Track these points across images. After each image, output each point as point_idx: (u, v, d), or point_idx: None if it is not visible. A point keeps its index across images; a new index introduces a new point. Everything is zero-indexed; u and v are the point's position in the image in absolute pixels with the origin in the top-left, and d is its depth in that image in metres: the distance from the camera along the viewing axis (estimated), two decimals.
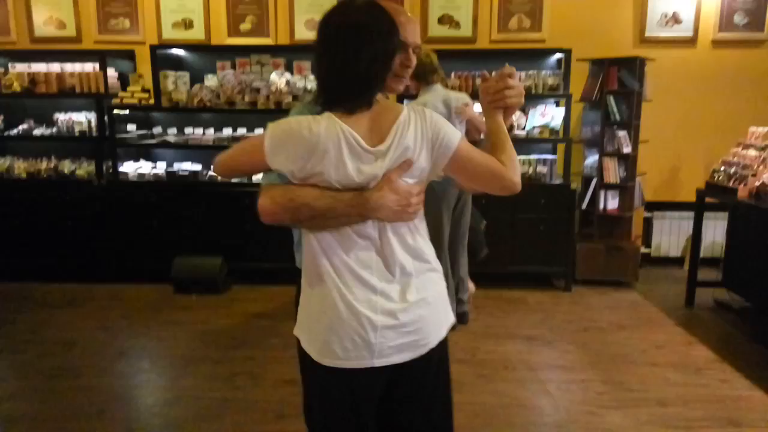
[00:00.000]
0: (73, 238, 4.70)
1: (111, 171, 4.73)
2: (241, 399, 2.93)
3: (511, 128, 1.51)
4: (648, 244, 5.19)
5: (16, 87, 4.75)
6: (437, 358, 1.45)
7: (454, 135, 1.35)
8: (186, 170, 4.78)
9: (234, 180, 4.71)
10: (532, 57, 4.90)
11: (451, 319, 1.48)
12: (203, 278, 4.49)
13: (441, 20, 5.01)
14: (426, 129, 1.33)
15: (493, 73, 1.48)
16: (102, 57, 4.76)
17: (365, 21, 1.30)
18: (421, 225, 1.42)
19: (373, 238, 1.35)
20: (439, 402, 1.51)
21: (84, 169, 4.79)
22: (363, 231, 1.34)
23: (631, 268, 4.67)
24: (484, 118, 1.48)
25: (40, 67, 4.89)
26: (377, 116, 1.33)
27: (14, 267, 4.73)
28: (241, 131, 4.93)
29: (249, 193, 4.62)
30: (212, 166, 1.46)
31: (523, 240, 4.57)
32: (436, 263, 1.45)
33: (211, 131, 4.94)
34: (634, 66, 4.52)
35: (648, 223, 5.18)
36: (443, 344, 1.45)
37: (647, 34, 4.97)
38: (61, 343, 3.59)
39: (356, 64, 1.29)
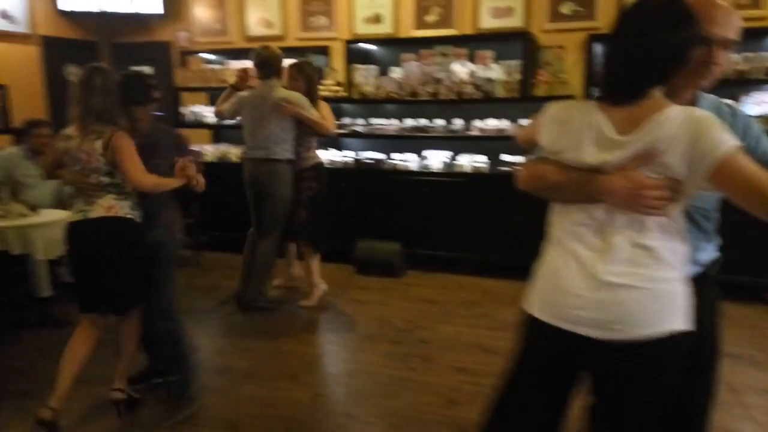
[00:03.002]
0: None
1: None
2: (415, 380, 3.05)
3: None
4: None
5: (231, 82, 5.39)
6: (645, 357, 1.36)
7: (721, 144, 1.23)
8: (371, 158, 5.05)
9: (413, 168, 4.88)
10: (751, 37, 4.28)
11: (675, 326, 1.35)
12: (382, 262, 4.74)
13: None
14: (687, 130, 1.25)
15: None
16: (302, 53, 5.21)
17: (649, 11, 1.28)
18: (667, 224, 1.35)
19: (599, 221, 1.38)
20: (638, 409, 1.41)
21: None
22: (592, 212, 1.39)
23: None
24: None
25: (251, 64, 5.50)
26: (638, 109, 1.31)
27: (225, 239, 5.43)
28: (423, 121, 5.07)
29: (428, 182, 4.79)
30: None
31: (729, 245, 4.02)
32: (678, 267, 1.37)
33: (394, 121, 5.16)
34: None
35: None
36: (657, 348, 1.34)
37: None
38: (262, 309, 4.06)
39: (632, 54, 1.29)
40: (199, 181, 2.70)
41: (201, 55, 5.88)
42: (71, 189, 2.67)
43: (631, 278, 1.33)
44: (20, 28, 5.46)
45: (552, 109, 1.46)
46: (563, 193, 1.42)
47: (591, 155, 1.35)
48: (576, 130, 1.37)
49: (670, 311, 1.35)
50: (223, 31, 5.92)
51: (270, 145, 3.86)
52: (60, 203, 4.17)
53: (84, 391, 2.75)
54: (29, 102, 5.40)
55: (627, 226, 1.34)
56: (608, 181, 1.31)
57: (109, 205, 2.53)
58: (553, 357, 1.48)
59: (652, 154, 1.27)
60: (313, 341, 3.59)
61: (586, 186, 1.35)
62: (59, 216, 3.63)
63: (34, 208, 3.68)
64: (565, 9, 4.82)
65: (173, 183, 2.62)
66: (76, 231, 2.55)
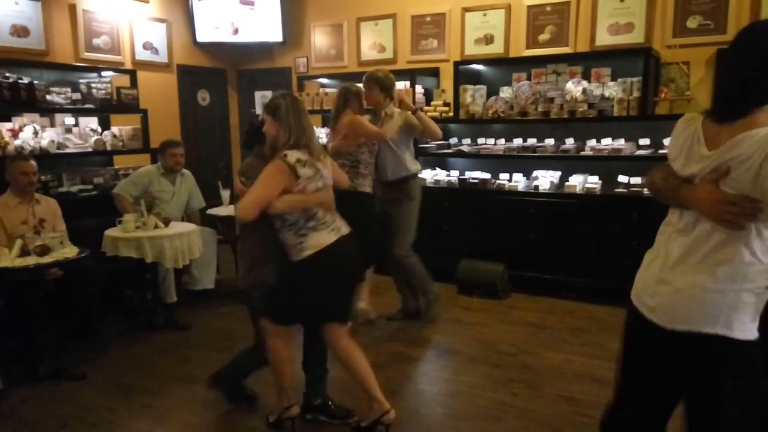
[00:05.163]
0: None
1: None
2: (518, 406, 2.95)
3: None
4: None
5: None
6: (701, 352, 1.47)
7: None
8: (476, 178, 5.01)
9: (520, 188, 4.77)
10: None
11: (725, 331, 1.42)
12: (484, 282, 4.66)
13: None
14: (761, 150, 1.32)
15: None
16: (412, 75, 5.33)
17: (760, 32, 1.41)
18: (747, 238, 1.40)
19: (688, 226, 1.51)
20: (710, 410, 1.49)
21: None
22: (686, 218, 1.52)
23: None
24: None
25: (361, 87, 5.71)
26: (733, 127, 1.39)
27: None
28: (531, 141, 4.96)
29: (535, 202, 4.66)
30: None
31: None
32: (745, 279, 1.41)
33: (501, 141, 5.09)
34: None
35: None
36: (712, 346, 1.44)
37: None
38: (362, 324, 4.13)
39: (740, 75, 1.41)
40: None
41: (318, 79, 6.20)
42: (303, 214, 2.47)
43: (687, 279, 1.47)
44: (161, 59, 6.08)
45: (679, 120, 1.60)
46: (664, 198, 1.59)
47: (685, 167, 1.51)
48: (681, 142, 1.53)
49: (723, 316, 1.42)
50: (338, 56, 6.21)
51: None
52: (187, 218, 4.56)
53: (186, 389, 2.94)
54: (166, 124, 5.97)
55: (708, 235, 1.45)
56: (690, 190, 1.47)
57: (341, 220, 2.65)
58: (643, 340, 1.64)
59: (724, 171, 1.37)
60: (413, 359, 3.59)
61: (676, 193, 1.52)
62: (186, 228, 3.97)
63: (165, 221, 4.04)
64: (692, 23, 4.53)
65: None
66: (345, 247, 2.56)
